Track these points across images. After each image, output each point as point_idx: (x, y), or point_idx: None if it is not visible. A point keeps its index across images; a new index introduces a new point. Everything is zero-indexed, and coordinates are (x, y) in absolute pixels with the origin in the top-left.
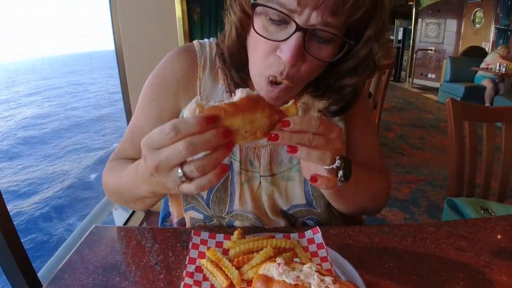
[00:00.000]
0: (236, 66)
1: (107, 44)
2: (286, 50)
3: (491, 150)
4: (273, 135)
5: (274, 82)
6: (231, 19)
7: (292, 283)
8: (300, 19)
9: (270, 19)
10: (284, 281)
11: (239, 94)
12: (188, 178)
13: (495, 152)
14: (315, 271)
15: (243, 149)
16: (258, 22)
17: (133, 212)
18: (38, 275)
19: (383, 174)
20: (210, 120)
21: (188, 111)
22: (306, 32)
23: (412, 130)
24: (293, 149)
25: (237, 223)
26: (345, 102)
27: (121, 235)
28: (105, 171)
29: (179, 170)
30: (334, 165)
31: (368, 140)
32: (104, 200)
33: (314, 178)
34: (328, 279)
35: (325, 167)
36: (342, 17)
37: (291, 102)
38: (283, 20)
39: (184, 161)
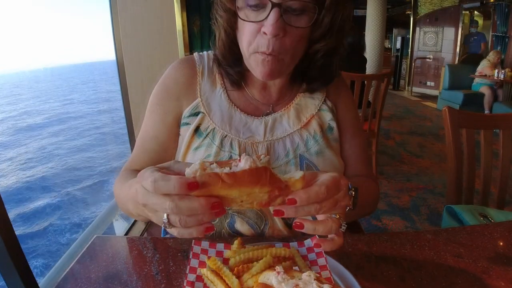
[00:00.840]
0: (231, 63)
1: (107, 54)
2: (268, 25)
3: (489, 157)
4: (278, 211)
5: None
6: (219, 24)
7: None
8: None
9: (249, 6)
10: None
11: (243, 163)
12: (171, 224)
13: (493, 158)
14: (314, 279)
15: (242, 145)
16: (242, 14)
17: (134, 222)
18: (39, 285)
19: (372, 179)
20: (192, 186)
21: (190, 168)
22: (281, 6)
23: (412, 138)
24: (299, 226)
25: (238, 224)
26: (322, 72)
27: (123, 245)
28: (117, 181)
29: (165, 216)
30: (341, 228)
31: (358, 143)
32: (105, 210)
33: (318, 245)
34: (327, 286)
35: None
36: None
37: (299, 175)
38: (260, 4)
39: None
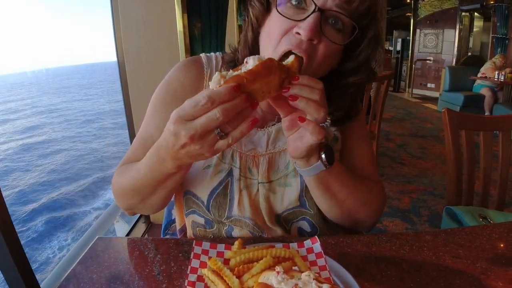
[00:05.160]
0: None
1: (109, 56)
2: (305, 26)
3: (488, 159)
4: (285, 89)
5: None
6: (248, 18)
7: None
8: (318, 1)
9: (290, 3)
10: None
11: (252, 61)
12: (224, 134)
13: (493, 160)
14: (313, 279)
15: (243, 157)
16: (279, 9)
17: (135, 223)
18: (41, 285)
19: (377, 184)
20: (237, 88)
21: (213, 82)
22: (323, 13)
23: (412, 140)
24: (294, 98)
25: (236, 231)
26: (345, 112)
27: (124, 246)
28: (116, 176)
29: (218, 130)
30: (325, 124)
31: (363, 150)
32: (105, 213)
33: (302, 119)
34: (326, 286)
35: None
36: (354, 5)
37: (292, 57)
38: (302, 2)
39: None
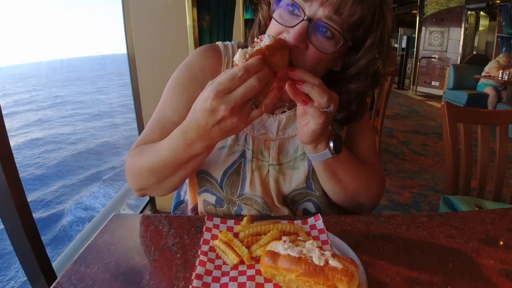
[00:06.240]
0: None
1: (119, 48)
2: (292, 33)
3: (486, 152)
4: (292, 68)
5: None
6: (258, 16)
7: (296, 256)
8: (309, 11)
9: (287, 9)
10: (289, 254)
11: (267, 38)
12: (258, 103)
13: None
14: (316, 247)
15: (255, 141)
16: (276, 13)
17: (142, 211)
18: (58, 259)
19: (378, 171)
20: (263, 59)
21: (239, 57)
22: (311, 22)
23: (415, 137)
24: (302, 82)
25: (245, 211)
26: (350, 113)
27: (139, 222)
28: (132, 156)
29: (251, 102)
30: (328, 109)
31: (365, 139)
32: (113, 200)
33: (305, 101)
34: (328, 253)
35: (322, 109)
36: (343, 16)
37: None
38: (296, 11)
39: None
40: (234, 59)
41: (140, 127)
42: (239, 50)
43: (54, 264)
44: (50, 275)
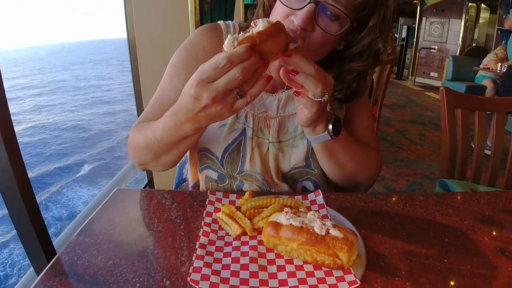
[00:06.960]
0: None
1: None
2: (299, 16)
3: (482, 138)
4: (287, 53)
5: None
6: (261, 0)
7: (298, 226)
8: None
9: None
10: (291, 224)
11: (261, 23)
12: (242, 94)
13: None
14: (317, 218)
15: (256, 119)
16: None
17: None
18: (54, 243)
19: (374, 150)
20: (252, 48)
21: (227, 44)
22: (318, 4)
23: (412, 127)
24: (295, 72)
25: (246, 186)
26: (351, 91)
27: (142, 196)
28: (132, 132)
29: (235, 91)
30: (322, 99)
31: (363, 119)
32: (117, 176)
33: (297, 93)
34: (329, 223)
35: (315, 99)
36: None
37: None
38: None
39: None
40: (223, 46)
41: (140, 110)
42: (229, 36)
43: (55, 243)
44: (50, 252)
